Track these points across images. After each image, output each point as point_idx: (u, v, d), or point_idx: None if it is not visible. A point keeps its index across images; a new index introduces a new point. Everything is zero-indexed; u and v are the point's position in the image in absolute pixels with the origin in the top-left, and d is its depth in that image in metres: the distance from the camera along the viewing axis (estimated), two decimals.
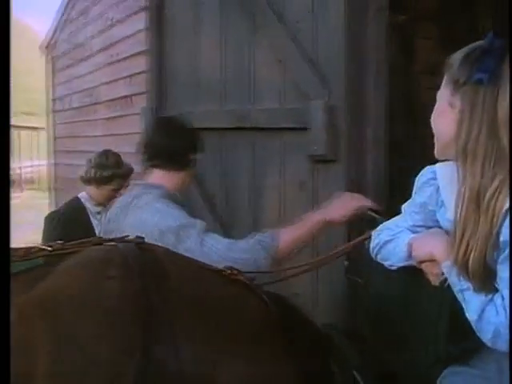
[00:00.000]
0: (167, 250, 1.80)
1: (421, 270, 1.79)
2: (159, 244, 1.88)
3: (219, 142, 4.08)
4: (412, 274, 1.83)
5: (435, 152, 1.80)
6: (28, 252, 1.66)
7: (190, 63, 4.27)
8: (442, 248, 1.70)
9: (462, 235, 1.59)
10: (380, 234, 1.96)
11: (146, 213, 2.48)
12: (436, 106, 1.77)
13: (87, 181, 3.77)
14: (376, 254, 1.96)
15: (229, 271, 1.81)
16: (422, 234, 1.84)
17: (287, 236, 2.53)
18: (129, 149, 4.56)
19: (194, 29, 4.24)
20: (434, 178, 1.81)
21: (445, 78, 1.75)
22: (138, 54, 5.97)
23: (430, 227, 1.85)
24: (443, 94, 1.74)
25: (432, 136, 1.82)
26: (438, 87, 5.12)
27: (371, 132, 3.70)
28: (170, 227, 2.40)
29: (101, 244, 1.73)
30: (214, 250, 2.39)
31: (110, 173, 3.76)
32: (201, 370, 1.52)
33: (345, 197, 2.72)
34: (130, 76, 6.37)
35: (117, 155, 3.81)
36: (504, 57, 1.61)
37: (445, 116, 1.71)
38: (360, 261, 2.28)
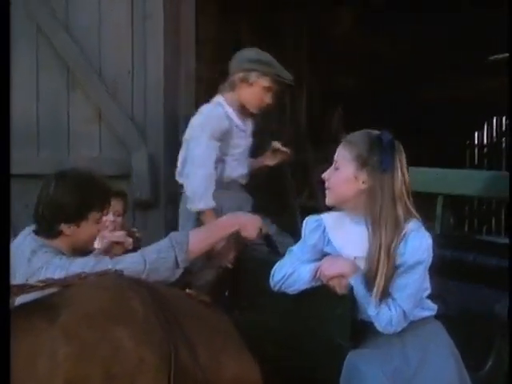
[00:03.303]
0: (139, 278, 2.17)
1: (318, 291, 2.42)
2: None
3: (36, 189, 4.26)
4: (311, 294, 2.44)
5: (327, 201, 2.46)
6: (21, 289, 1.92)
7: None
8: (349, 267, 2.37)
9: (381, 274, 2.28)
10: (282, 269, 2.50)
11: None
12: (340, 173, 2.40)
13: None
14: (281, 285, 2.50)
15: (190, 291, 2.23)
16: (326, 259, 2.45)
17: (197, 239, 2.66)
18: None
19: None
20: (319, 226, 2.48)
21: (347, 152, 2.39)
22: None
23: (320, 259, 2.47)
24: (347, 166, 2.37)
25: None
26: None
27: None
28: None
29: (85, 278, 2.04)
30: (134, 264, 2.51)
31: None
32: (212, 364, 1.93)
33: (256, 219, 2.85)
34: None
35: None
36: (395, 150, 2.35)
37: (350, 183, 2.36)
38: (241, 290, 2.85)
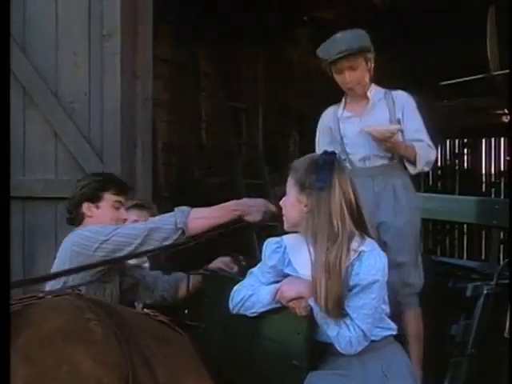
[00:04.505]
0: (94, 297, 2.14)
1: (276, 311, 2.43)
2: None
3: None
4: (270, 315, 2.46)
5: (285, 226, 2.50)
6: None
7: None
8: (308, 288, 2.37)
9: (320, 290, 2.30)
10: (241, 291, 2.50)
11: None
12: (287, 198, 2.47)
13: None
14: (240, 307, 2.49)
15: (148, 311, 2.21)
16: (284, 281, 2.46)
17: (199, 213, 2.86)
18: None
19: None
20: (279, 247, 2.50)
21: (291, 178, 2.46)
22: None
23: (279, 281, 2.48)
24: (291, 191, 2.44)
25: None
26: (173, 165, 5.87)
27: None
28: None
29: (43, 298, 2.01)
30: (138, 224, 2.92)
31: None
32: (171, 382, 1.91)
33: (260, 202, 2.96)
34: None
35: None
36: (333, 168, 2.38)
37: (294, 208, 2.44)
38: (199, 310, 2.82)
